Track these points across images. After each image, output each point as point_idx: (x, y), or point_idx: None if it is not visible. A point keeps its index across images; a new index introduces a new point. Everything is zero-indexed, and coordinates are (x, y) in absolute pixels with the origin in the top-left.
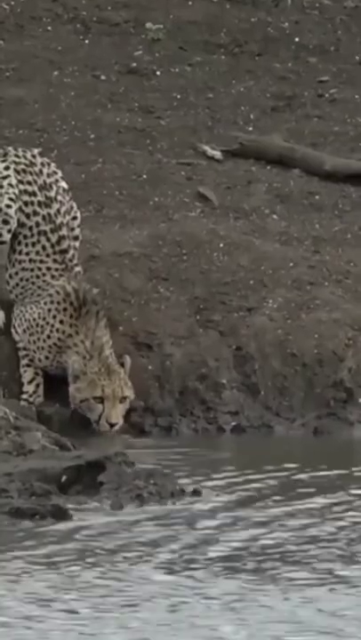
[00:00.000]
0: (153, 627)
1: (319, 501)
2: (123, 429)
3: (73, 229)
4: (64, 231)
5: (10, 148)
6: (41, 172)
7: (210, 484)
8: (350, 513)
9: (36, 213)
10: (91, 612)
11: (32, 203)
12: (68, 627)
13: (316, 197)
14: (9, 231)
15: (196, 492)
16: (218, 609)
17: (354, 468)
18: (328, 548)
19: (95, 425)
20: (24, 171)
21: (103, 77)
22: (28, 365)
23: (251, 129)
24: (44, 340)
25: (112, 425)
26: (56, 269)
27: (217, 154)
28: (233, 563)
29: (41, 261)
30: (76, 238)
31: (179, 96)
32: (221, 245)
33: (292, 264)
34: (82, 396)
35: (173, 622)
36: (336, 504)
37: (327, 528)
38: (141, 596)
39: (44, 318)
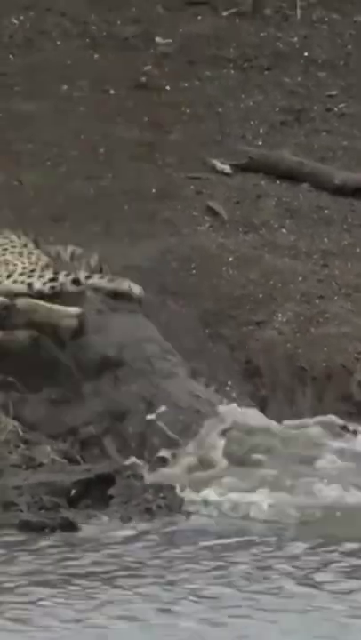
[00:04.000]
0: None
1: None
2: None
3: None
4: None
5: None
6: None
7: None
8: None
9: None
10: None
11: None
12: None
13: (326, 212)
14: None
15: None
16: None
17: None
18: None
19: None
20: None
21: (112, 92)
22: None
23: (260, 143)
24: None
25: None
26: None
27: (226, 168)
28: None
29: None
30: None
31: (188, 110)
32: (231, 259)
33: (301, 278)
34: None
35: None
36: None
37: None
38: None
39: None
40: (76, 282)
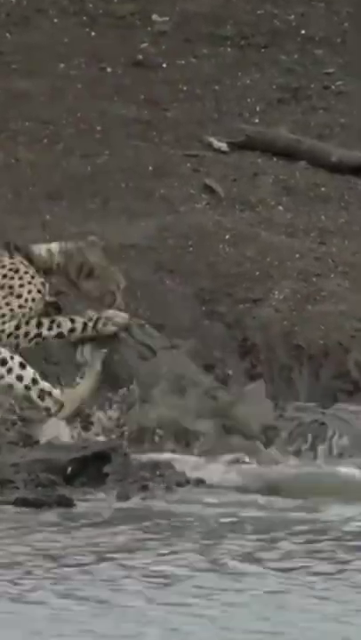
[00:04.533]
0: None
1: None
2: None
3: None
4: None
5: None
6: None
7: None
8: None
9: None
10: None
11: None
12: None
13: (322, 189)
14: None
15: (200, 482)
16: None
17: None
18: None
19: None
20: None
21: (109, 70)
22: None
23: (257, 121)
24: None
25: None
26: None
27: (223, 146)
28: None
29: None
30: None
31: (185, 88)
32: (227, 237)
33: (298, 256)
34: None
35: None
36: None
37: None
38: None
39: None
40: (59, 335)
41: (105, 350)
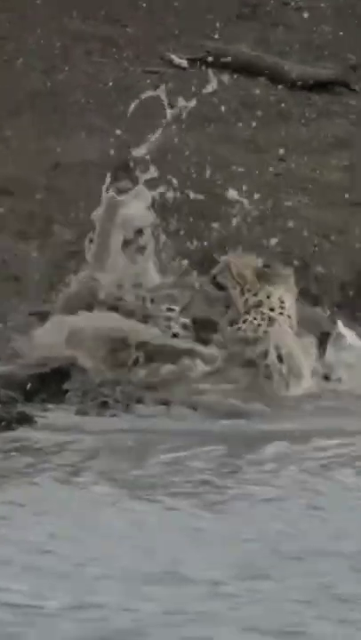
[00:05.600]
0: None
1: None
2: None
3: None
4: None
5: None
6: None
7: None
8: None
9: None
10: None
11: None
12: None
13: (282, 106)
14: None
15: (163, 403)
16: None
17: None
18: None
19: None
20: None
21: None
22: None
23: (217, 37)
24: None
25: None
26: None
27: (183, 62)
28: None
29: None
30: None
31: (145, 4)
32: (187, 153)
33: (257, 172)
34: None
35: None
36: None
37: None
38: None
39: None
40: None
41: None
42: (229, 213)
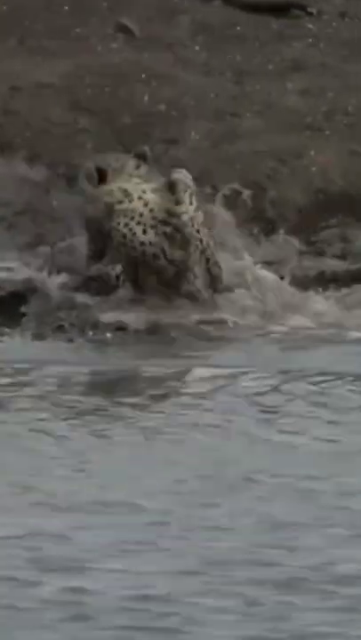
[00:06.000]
0: None
1: None
2: None
3: None
4: None
5: None
6: None
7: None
8: None
9: None
10: None
11: None
12: None
13: (238, 28)
14: None
15: (120, 328)
16: None
17: None
18: None
19: None
20: None
21: None
22: None
23: None
24: None
25: None
26: None
27: None
28: None
29: None
30: None
31: None
32: (144, 77)
33: (213, 95)
34: None
35: None
36: None
37: None
38: None
39: None
40: None
41: None
42: (185, 135)
